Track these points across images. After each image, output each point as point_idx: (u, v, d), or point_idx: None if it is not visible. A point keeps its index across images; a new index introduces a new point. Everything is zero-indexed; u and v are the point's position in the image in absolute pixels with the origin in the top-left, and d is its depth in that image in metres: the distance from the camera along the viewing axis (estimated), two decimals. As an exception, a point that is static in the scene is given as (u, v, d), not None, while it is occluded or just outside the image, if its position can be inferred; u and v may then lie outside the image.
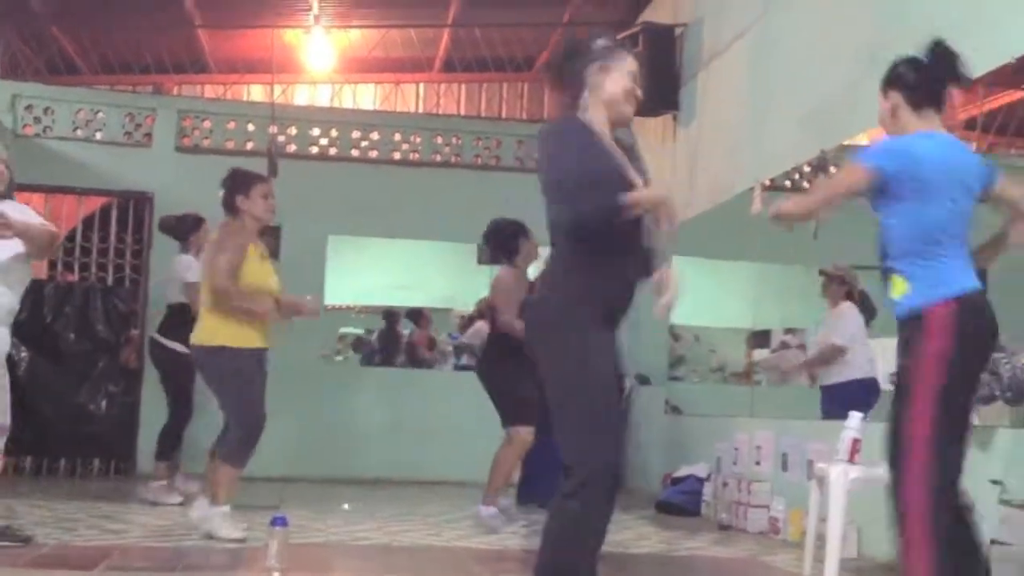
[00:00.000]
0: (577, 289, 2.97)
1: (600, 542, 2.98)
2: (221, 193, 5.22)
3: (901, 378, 3.13)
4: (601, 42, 3.18)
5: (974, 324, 3.02)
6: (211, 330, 5.03)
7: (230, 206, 5.19)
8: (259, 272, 5.09)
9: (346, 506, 6.92)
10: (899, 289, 3.12)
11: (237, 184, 5.22)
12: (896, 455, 3.06)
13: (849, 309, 6.86)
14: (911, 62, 3.25)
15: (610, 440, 2.97)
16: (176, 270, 6.72)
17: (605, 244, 2.96)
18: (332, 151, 9.81)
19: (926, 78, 3.22)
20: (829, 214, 3.37)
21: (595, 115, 3.09)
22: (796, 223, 3.28)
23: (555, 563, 2.92)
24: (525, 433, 5.89)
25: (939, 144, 3.15)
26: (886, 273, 3.20)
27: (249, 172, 5.41)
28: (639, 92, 3.14)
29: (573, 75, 3.12)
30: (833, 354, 7.01)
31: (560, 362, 2.95)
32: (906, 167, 3.07)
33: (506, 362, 5.81)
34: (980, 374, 3.12)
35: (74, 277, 9.22)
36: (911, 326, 3.08)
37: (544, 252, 3.47)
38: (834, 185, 3.36)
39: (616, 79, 3.10)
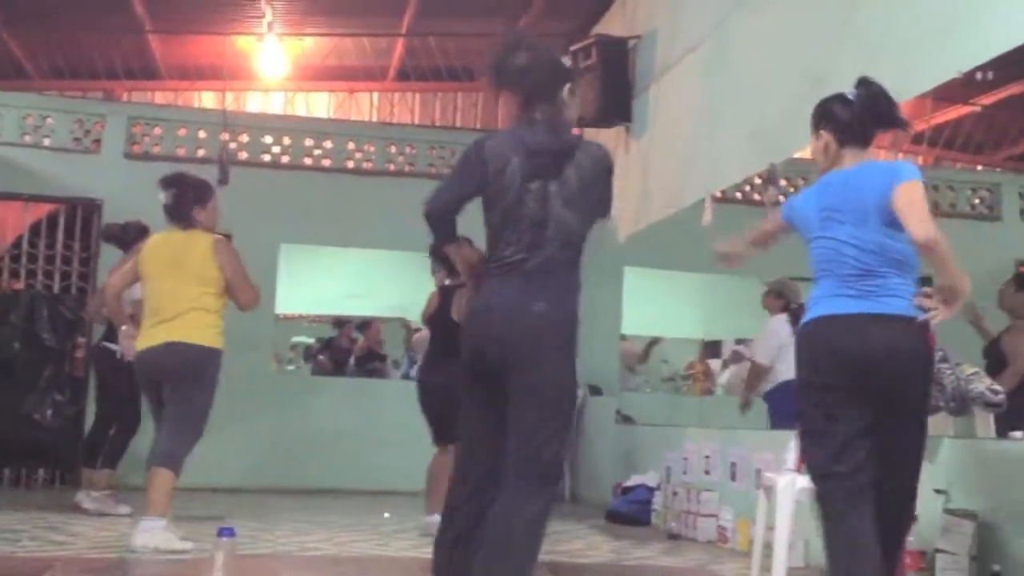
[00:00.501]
0: (576, 308, 3.09)
1: None
2: (168, 198, 5.16)
3: None
4: (567, 61, 3.28)
5: (810, 346, 3.29)
6: (212, 333, 5.09)
7: (184, 215, 5.15)
8: None
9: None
10: None
11: (196, 194, 5.22)
12: None
13: (777, 323, 6.93)
14: (842, 103, 3.35)
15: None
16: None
17: None
18: (284, 159, 9.75)
19: (856, 120, 3.32)
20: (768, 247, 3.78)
21: None
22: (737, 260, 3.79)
23: (535, 554, 3.01)
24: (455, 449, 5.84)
25: (819, 188, 3.37)
26: None
27: (204, 181, 5.39)
28: None
29: (548, 90, 3.13)
30: (756, 372, 7.11)
31: (568, 373, 3.06)
32: (791, 219, 3.50)
33: (450, 374, 5.70)
34: (830, 390, 3.21)
35: (20, 285, 9.07)
36: None
37: None
38: (763, 223, 3.81)
39: (573, 106, 3.17)
